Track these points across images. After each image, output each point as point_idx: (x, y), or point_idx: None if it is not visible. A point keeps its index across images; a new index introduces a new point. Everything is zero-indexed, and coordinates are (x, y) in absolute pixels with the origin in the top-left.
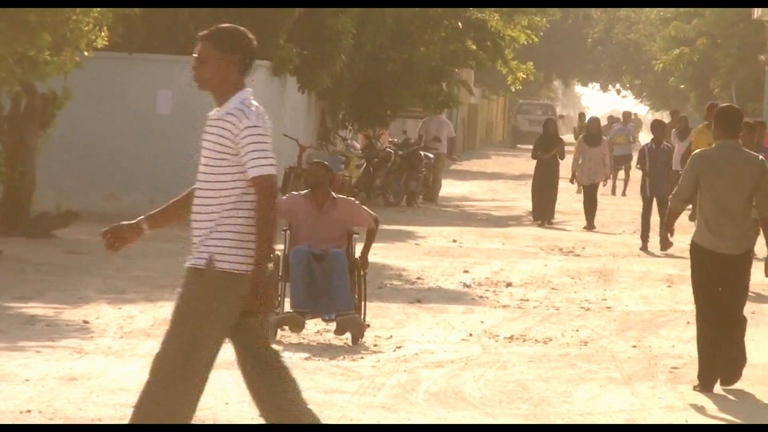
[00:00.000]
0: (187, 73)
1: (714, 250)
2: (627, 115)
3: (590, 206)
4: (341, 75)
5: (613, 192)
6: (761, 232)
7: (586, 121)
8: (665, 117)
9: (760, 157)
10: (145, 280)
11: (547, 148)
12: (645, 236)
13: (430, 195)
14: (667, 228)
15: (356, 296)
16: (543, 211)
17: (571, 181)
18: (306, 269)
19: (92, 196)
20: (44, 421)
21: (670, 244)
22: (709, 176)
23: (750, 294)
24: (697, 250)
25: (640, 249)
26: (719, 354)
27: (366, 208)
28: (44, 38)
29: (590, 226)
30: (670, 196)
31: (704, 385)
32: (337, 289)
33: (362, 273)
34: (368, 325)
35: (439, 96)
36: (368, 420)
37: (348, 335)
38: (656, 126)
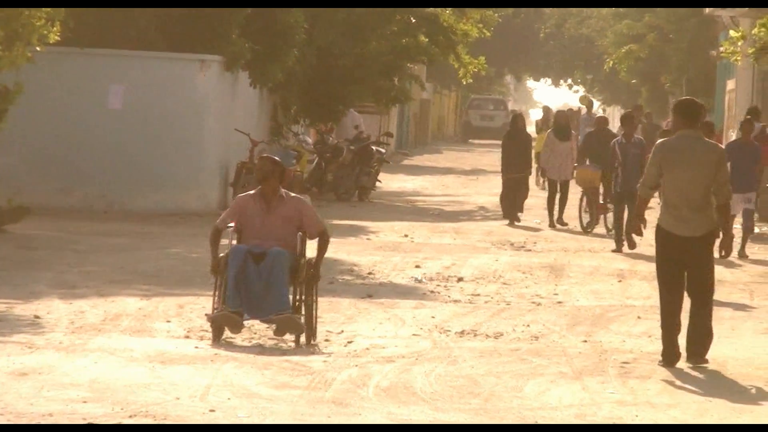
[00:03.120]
0: (138, 68)
1: (676, 233)
2: (589, 103)
3: (563, 201)
4: (293, 70)
5: None
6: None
7: (554, 114)
8: (617, 111)
9: (720, 145)
10: (97, 275)
11: (519, 154)
12: (619, 237)
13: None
14: (637, 215)
15: (302, 296)
16: (513, 209)
17: (542, 175)
18: (241, 269)
19: (44, 191)
20: None
21: (634, 245)
22: (670, 164)
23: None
24: (660, 233)
25: (613, 251)
26: (679, 331)
27: (317, 215)
28: None
29: (561, 221)
30: (638, 185)
31: (667, 361)
32: (274, 290)
33: (314, 276)
34: (305, 326)
35: (390, 91)
36: (319, 415)
37: (290, 336)
38: (626, 120)
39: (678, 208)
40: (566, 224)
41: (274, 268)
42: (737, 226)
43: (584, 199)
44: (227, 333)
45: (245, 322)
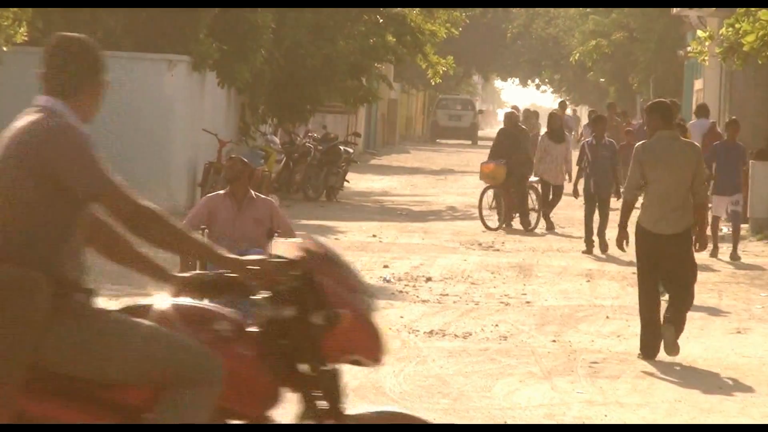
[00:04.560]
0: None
1: (655, 231)
2: (563, 104)
3: (553, 204)
4: (261, 70)
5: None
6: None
7: (548, 116)
8: (584, 112)
9: (697, 144)
10: None
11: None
12: (589, 238)
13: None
14: (621, 226)
15: None
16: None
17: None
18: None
19: None
20: None
21: (607, 247)
22: (650, 164)
23: None
24: (640, 231)
25: (584, 252)
26: (659, 325)
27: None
28: None
29: (550, 224)
30: (623, 189)
31: (647, 353)
32: None
33: None
34: None
35: (358, 91)
36: (287, 414)
37: None
38: (597, 121)
39: (659, 207)
40: (552, 225)
41: None
42: (725, 230)
43: (492, 197)
44: None
45: None
